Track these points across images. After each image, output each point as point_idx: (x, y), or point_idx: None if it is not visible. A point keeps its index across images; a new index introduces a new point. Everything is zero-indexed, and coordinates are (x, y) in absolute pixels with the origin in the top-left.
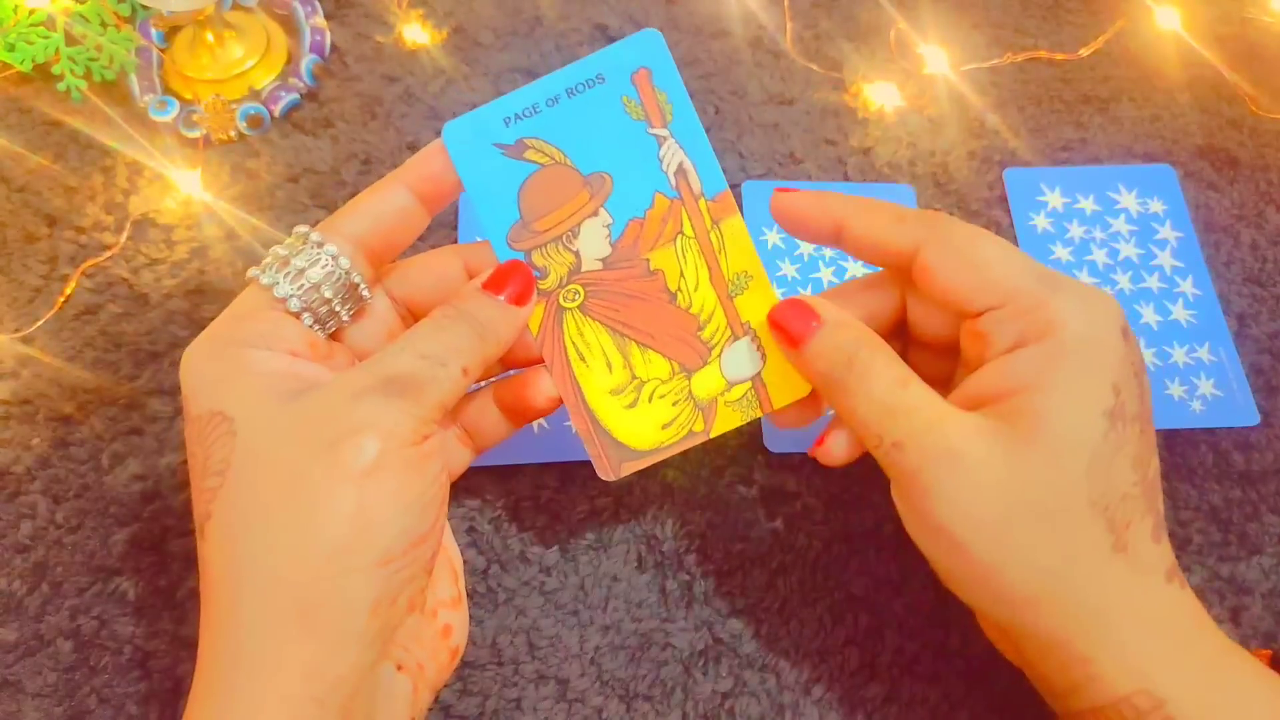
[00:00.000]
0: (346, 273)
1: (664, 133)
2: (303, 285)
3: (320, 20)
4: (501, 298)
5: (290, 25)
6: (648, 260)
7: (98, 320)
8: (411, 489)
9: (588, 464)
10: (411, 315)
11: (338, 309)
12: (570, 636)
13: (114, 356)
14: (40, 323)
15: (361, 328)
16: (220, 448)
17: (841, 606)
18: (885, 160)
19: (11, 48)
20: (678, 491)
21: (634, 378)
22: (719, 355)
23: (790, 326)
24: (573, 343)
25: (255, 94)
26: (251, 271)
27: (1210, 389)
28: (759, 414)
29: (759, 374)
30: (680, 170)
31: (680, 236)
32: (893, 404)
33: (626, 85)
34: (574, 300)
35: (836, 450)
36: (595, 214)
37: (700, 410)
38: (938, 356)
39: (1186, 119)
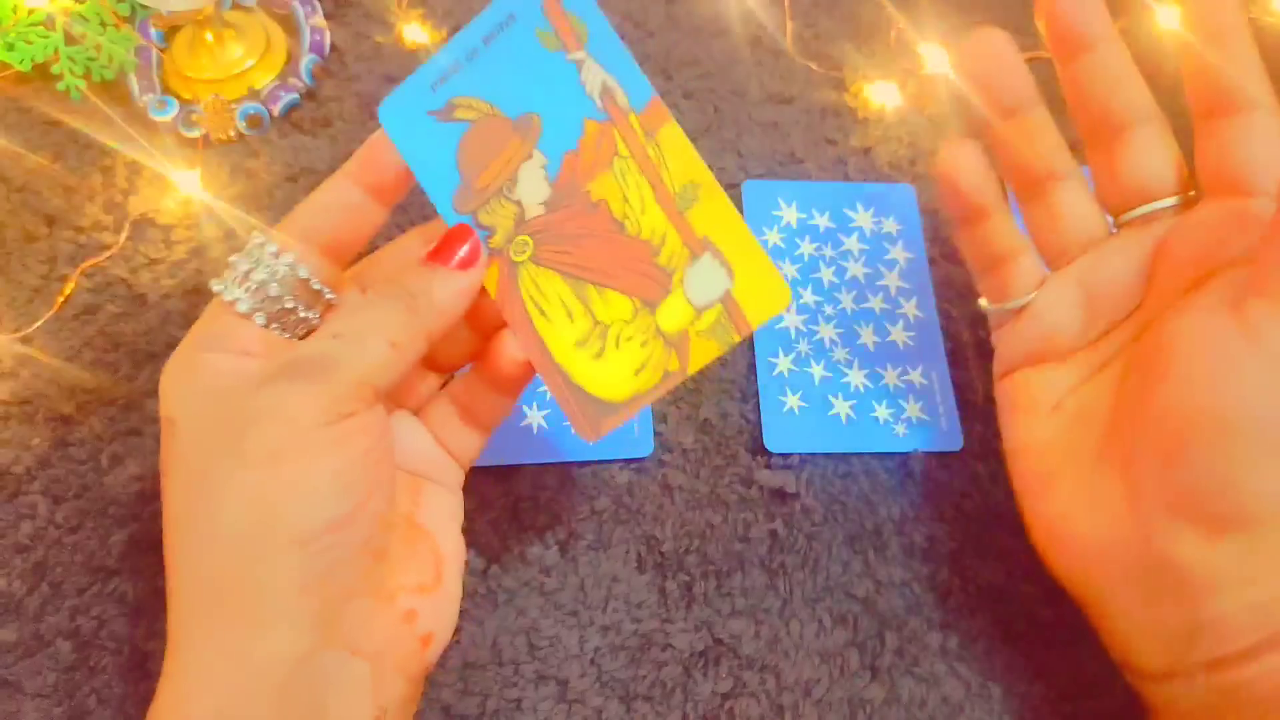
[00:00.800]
0: (292, 269)
1: (581, 55)
2: (249, 287)
3: (320, 20)
4: (444, 267)
5: (290, 25)
6: (588, 192)
7: (97, 320)
8: (321, 471)
9: (588, 464)
10: None
11: (294, 308)
12: (570, 637)
13: (113, 356)
14: (39, 323)
15: None
16: (165, 450)
17: (841, 607)
18: (886, 160)
19: (10, 47)
20: (678, 491)
21: (596, 323)
22: (680, 280)
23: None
24: (530, 298)
25: (255, 94)
26: (212, 282)
27: None
28: (736, 338)
29: (728, 292)
30: (605, 90)
31: (616, 158)
32: None
33: (538, 17)
34: (524, 253)
35: None
36: (529, 157)
37: (672, 347)
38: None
39: (1186, 119)
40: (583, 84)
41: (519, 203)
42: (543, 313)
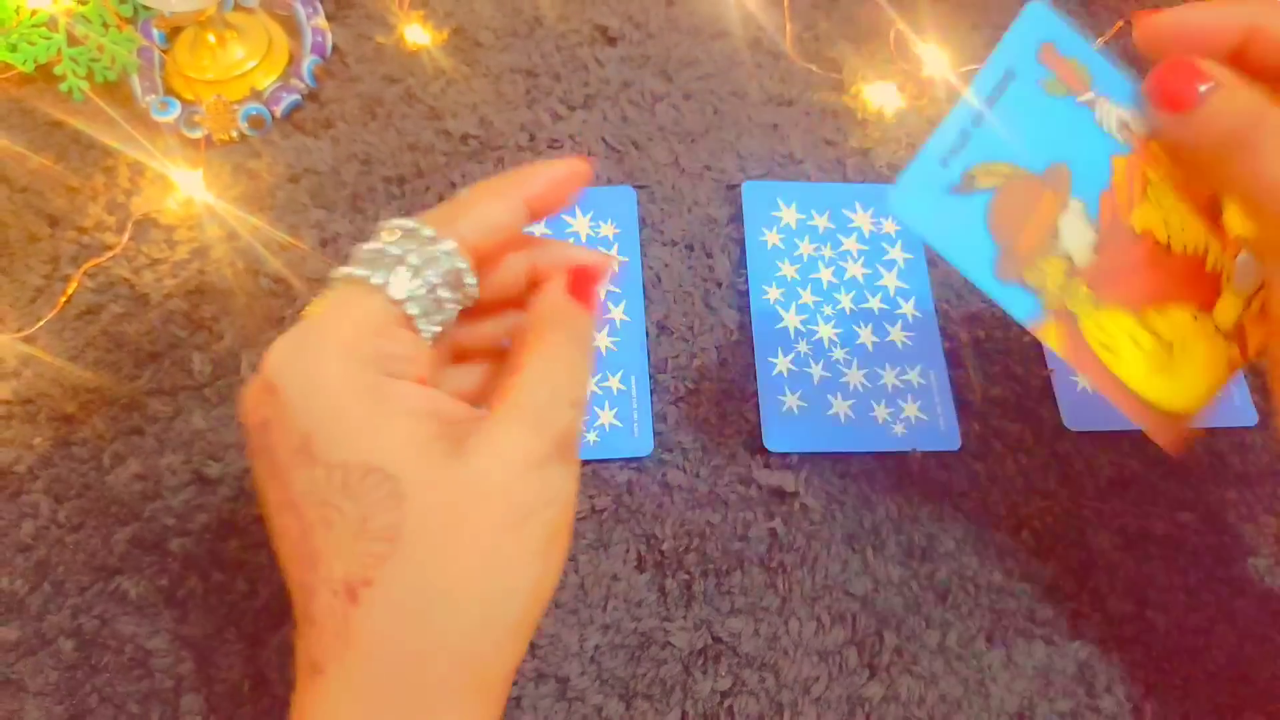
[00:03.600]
0: (464, 273)
1: (1090, 95)
2: (422, 286)
3: (321, 21)
4: (590, 310)
5: (291, 26)
6: (1130, 226)
7: (99, 320)
8: (567, 550)
9: (588, 463)
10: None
11: (449, 311)
12: (570, 635)
13: (115, 356)
14: (42, 323)
15: None
16: (385, 511)
17: (840, 606)
18: (884, 161)
19: (14, 48)
20: (677, 491)
21: (1162, 342)
22: (1229, 278)
23: (1177, 88)
24: (1097, 341)
25: (257, 95)
26: (352, 270)
27: None
28: None
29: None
30: (1122, 124)
31: (1149, 186)
32: None
33: (1037, 69)
34: (1082, 301)
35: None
36: (1065, 207)
37: (1231, 339)
38: None
39: None
40: (1100, 123)
41: (1067, 254)
42: (1111, 350)
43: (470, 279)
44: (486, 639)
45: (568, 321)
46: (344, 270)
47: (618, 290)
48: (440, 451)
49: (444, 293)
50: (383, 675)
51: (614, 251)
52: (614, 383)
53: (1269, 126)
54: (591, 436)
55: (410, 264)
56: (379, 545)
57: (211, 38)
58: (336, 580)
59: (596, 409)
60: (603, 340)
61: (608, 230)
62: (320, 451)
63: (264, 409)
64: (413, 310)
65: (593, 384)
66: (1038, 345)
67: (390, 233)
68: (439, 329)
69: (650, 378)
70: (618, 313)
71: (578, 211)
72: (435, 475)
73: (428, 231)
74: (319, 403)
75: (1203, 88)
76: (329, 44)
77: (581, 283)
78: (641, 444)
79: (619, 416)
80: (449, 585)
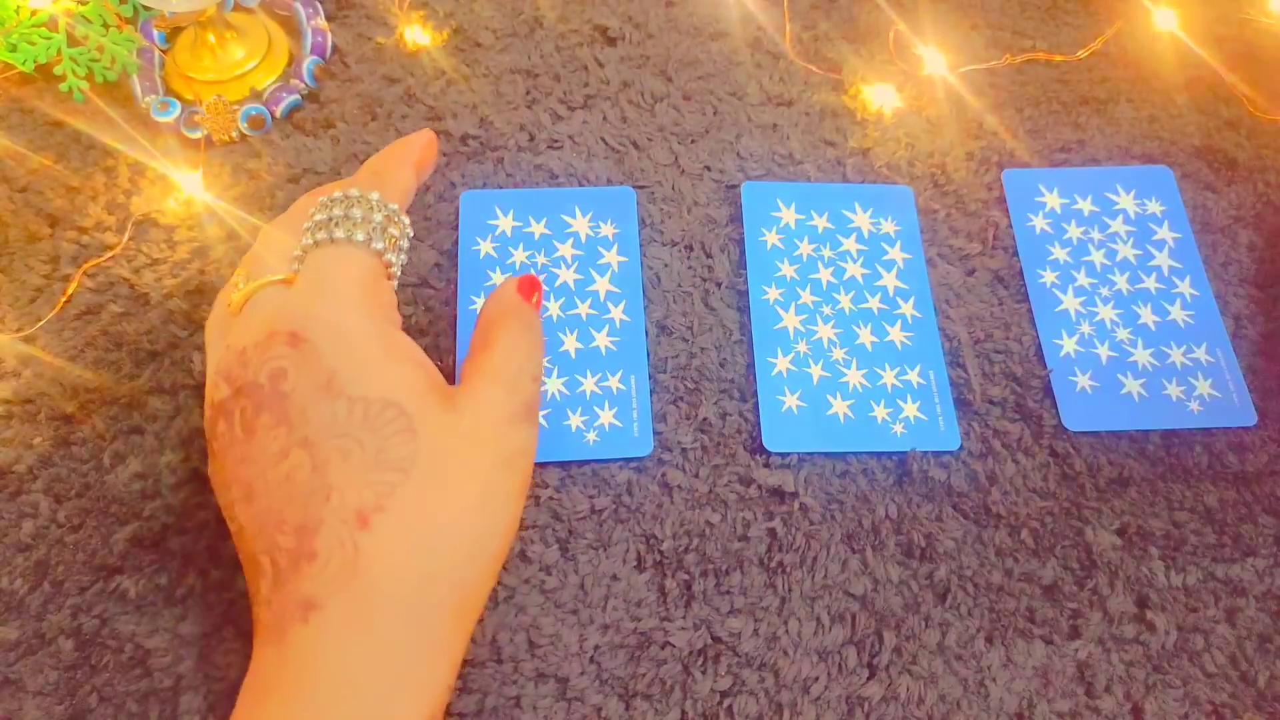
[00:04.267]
0: (407, 226)
1: None
2: (396, 245)
3: (321, 22)
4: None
5: (291, 27)
6: None
7: (99, 320)
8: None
9: (587, 463)
10: None
11: (402, 261)
12: (570, 635)
13: (115, 356)
14: (42, 322)
15: None
16: (400, 444)
17: (839, 606)
18: (884, 161)
19: (14, 48)
20: (677, 491)
21: None
22: None
23: None
24: None
25: (256, 95)
26: (351, 233)
27: (1208, 390)
28: None
29: None
30: None
31: None
32: None
33: None
34: None
35: None
36: None
37: None
38: None
39: (1184, 120)
40: None
41: None
42: None
43: (410, 232)
44: (474, 567)
45: (522, 313)
46: (322, 235)
47: (617, 290)
48: (437, 399)
49: (403, 244)
50: (387, 599)
51: (614, 251)
52: (614, 382)
53: None
54: (591, 436)
55: (376, 222)
56: (393, 474)
57: (212, 38)
58: (349, 509)
59: (596, 409)
60: (602, 340)
61: (607, 230)
62: (344, 386)
63: (279, 359)
64: (391, 259)
65: (545, 367)
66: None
67: (341, 202)
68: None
69: (650, 378)
70: (618, 313)
71: (577, 211)
72: (440, 418)
73: (375, 196)
74: (342, 346)
75: None
76: (329, 44)
77: (526, 286)
78: (641, 444)
79: (619, 416)
80: (450, 516)
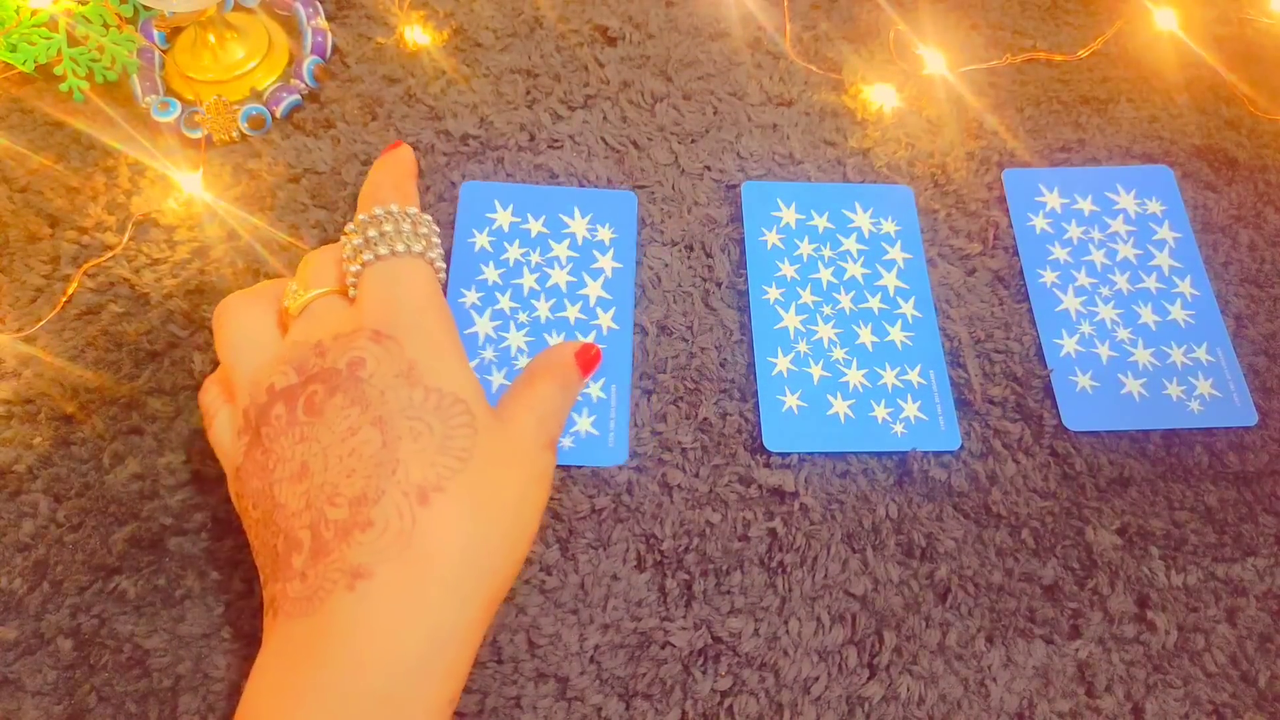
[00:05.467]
0: (437, 232)
1: None
2: (438, 250)
3: (322, 22)
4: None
5: (292, 27)
6: None
7: (99, 320)
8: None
9: (563, 469)
10: None
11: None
12: (570, 635)
13: (115, 356)
14: (42, 322)
15: None
16: (463, 436)
17: (840, 606)
18: (884, 161)
19: (14, 48)
20: (677, 491)
21: None
22: None
23: None
24: None
25: (257, 95)
26: (410, 245)
27: (1208, 389)
28: None
29: None
30: None
31: None
32: None
33: None
34: None
35: None
36: None
37: None
38: None
39: (1184, 120)
40: None
41: None
42: None
43: (439, 236)
44: (508, 561)
45: (569, 374)
46: (383, 249)
47: (608, 296)
48: (486, 408)
49: (440, 248)
50: (434, 575)
51: (609, 256)
52: (595, 390)
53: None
54: (566, 442)
55: (421, 233)
56: (454, 461)
57: (212, 38)
58: (413, 483)
59: (575, 415)
60: (602, 335)
61: (605, 234)
62: (422, 376)
63: (360, 350)
64: (440, 265)
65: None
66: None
67: (386, 219)
68: None
69: (633, 386)
70: (606, 319)
71: (576, 212)
72: (492, 424)
73: (411, 210)
74: (424, 341)
75: None
76: (329, 44)
77: (585, 358)
78: (616, 454)
79: (596, 425)
80: (496, 509)
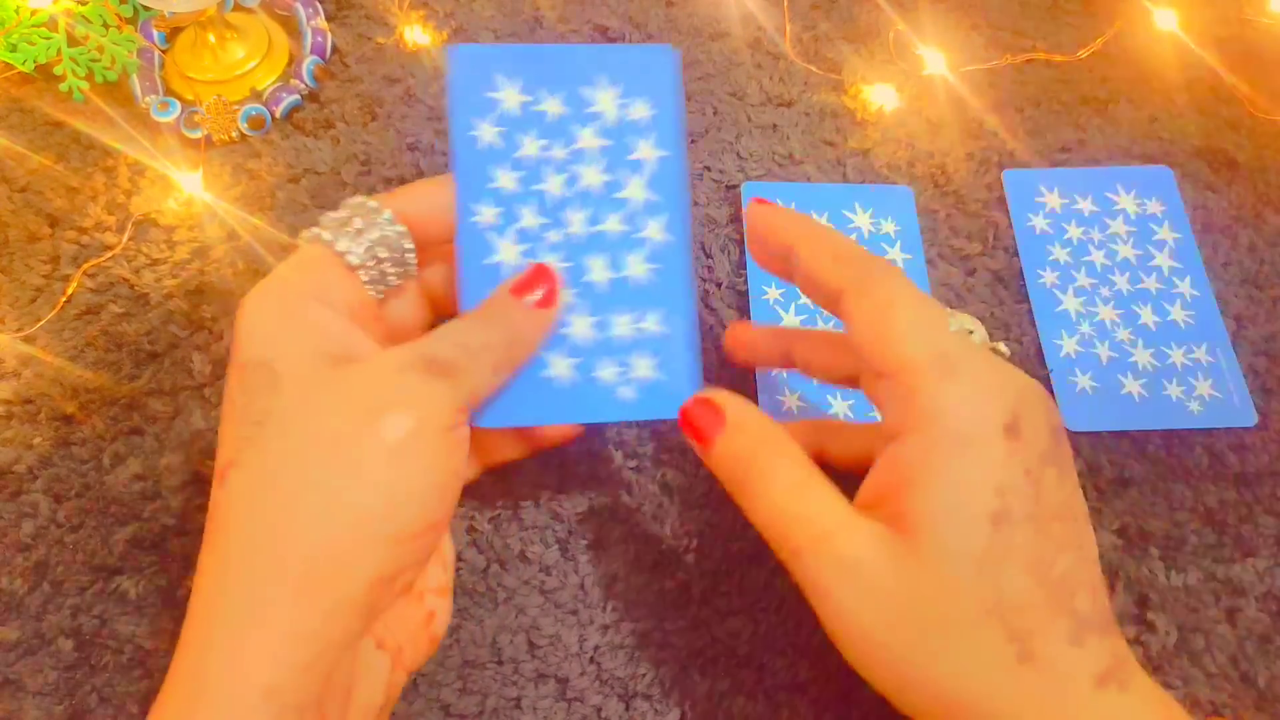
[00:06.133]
0: (400, 237)
1: None
2: (364, 244)
3: (321, 22)
4: (528, 301)
5: (292, 27)
6: None
7: (99, 320)
8: (438, 472)
9: (587, 463)
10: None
11: (389, 272)
12: (569, 636)
13: (115, 356)
14: (42, 322)
15: (396, 304)
16: (261, 398)
17: None
18: (884, 161)
19: (13, 48)
20: (677, 491)
21: None
22: None
23: (700, 425)
24: None
25: (257, 95)
26: (310, 231)
27: (1208, 390)
28: None
29: None
30: None
31: None
32: (790, 511)
33: None
34: None
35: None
36: None
37: None
38: None
39: (1185, 120)
40: None
41: None
42: None
43: (407, 244)
44: (319, 529)
45: (492, 304)
46: (308, 231)
47: (655, 198)
48: (329, 361)
49: (381, 252)
50: (221, 550)
51: (650, 142)
52: (651, 323)
53: (755, 472)
54: (626, 391)
55: (355, 226)
56: (249, 429)
57: (212, 38)
58: (218, 465)
59: (631, 358)
60: (636, 266)
61: (639, 111)
62: (235, 355)
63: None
64: (354, 261)
65: (511, 365)
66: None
67: (350, 204)
68: (381, 288)
69: (693, 312)
70: (655, 229)
71: (604, 84)
72: (313, 374)
73: (372, 203)
74: (246, 319)
75: (720, 425)
76: (329, 44)
77: (525, 282)
78: (683, 395)
79: (660, 367)
80: (294, 469)
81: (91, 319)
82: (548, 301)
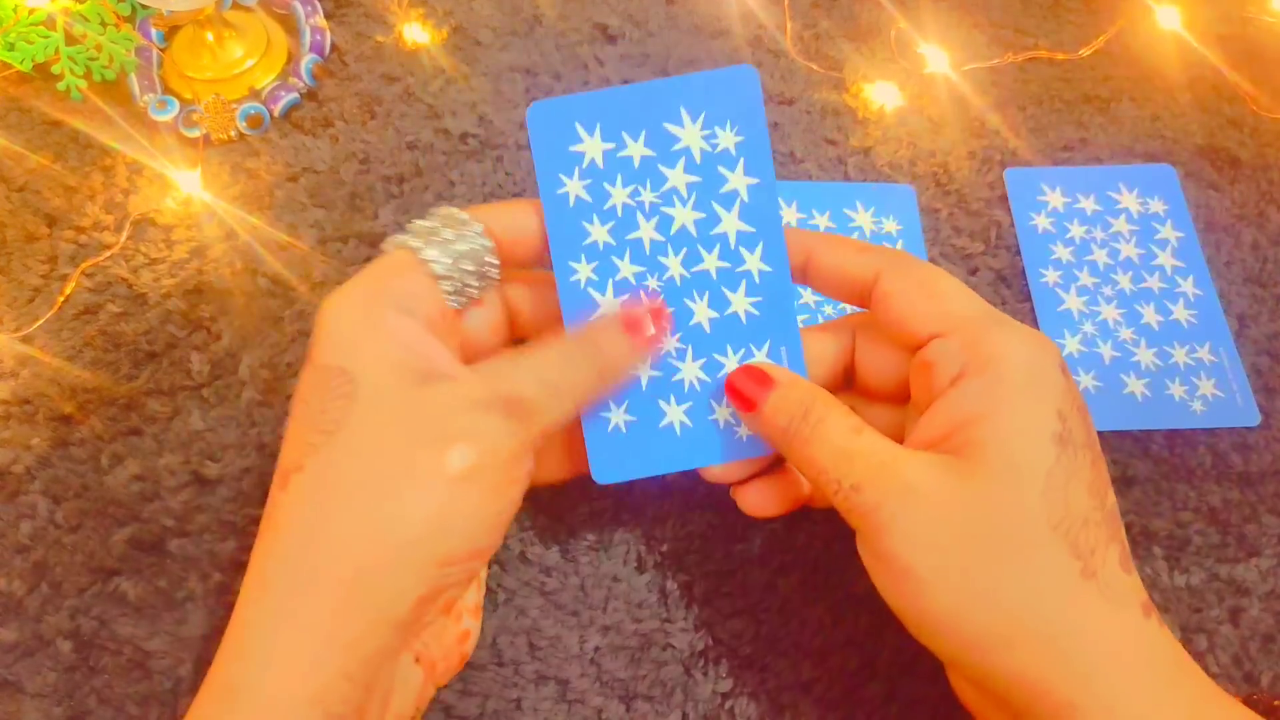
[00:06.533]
0: (486, 252)
1: None
2: (449, 254)
3: (320, 20)
4: (637, 340)
5: (290, 25)
6: None
7: (97, 320)
8: (492, 505)
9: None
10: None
11: (471, 285)
12: (570, 637)
13: (113, 356)
14: (40, 322)
15: (474, 315)
16: (336, 408)
17: (841, 606)
18: (886, 160)
19: (11, 47)
20: (677, 492)
21: None
22: None
23: (747, 391)
24: None
25: (255, 94)
26: (396, 237)
27: (1211, 389)
28: None
29: None
30: None
31: None
32: (849, 449)
33: None
34: None
35: (756, 498)
36: None
37: None
38: (887, 409)
39: (1187, 119)
40: None
41: None
42: None
43: (492, 259)
44: (371, 544)
45: (593, 332)
46: (395, 238)
47: (750, 229)
48: (409, 378)
49: (467, 264)
50: (277, 553)
51: (739, 170)
52: (761, 357)
53: (812, 419)
54: (743, 432)
55: (444, 236)
56: (318, 436)
57: (210, 37)
58: (282, 466)
59: (714, 403)
60: (740, 303)
61: (727, 139)
62: (314, 356)
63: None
64: (438, 271)
65: (596, 401)
66: None
67: (438, 214)
68: (464, 300)
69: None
70: (754, 261)
71: (684, 117)
72: (391, 390)
73: (462, 215)
74: (329, 320)
75: (768, 387)
76: (328, 43)
77: (638, 319)
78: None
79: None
80: (356, 483)
81: (89, 319)
82: (656, 340)
